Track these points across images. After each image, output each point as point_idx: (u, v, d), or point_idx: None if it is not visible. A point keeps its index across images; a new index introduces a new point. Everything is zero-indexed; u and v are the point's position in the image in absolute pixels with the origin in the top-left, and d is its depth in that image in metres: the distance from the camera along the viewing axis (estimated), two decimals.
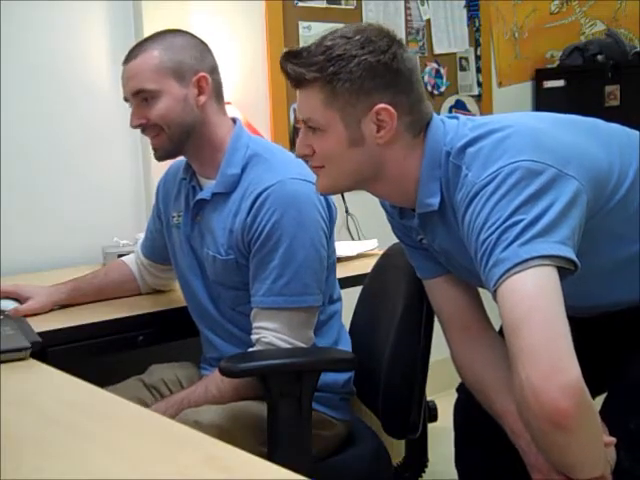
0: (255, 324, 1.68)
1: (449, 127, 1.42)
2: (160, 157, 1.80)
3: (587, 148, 1.37)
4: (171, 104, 1.73)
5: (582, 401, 1.15)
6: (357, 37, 1.37)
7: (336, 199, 1.81)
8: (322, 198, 1.70)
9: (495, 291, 1.23)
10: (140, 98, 1.73)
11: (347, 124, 1.38)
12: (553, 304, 1.18)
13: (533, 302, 1.18)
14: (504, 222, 1.23)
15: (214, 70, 1.78)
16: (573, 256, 1.22)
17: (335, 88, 1.36)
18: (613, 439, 1.28)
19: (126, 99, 1.78)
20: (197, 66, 1.75)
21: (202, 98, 1.75)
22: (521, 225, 1.21)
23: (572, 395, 1.13)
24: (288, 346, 1.66)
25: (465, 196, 1.31)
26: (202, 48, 1.79)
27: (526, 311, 1.18)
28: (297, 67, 1.39)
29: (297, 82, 1.41)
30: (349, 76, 1.35)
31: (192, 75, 1.74)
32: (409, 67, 1.40)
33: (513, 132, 1.33)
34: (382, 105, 1.36)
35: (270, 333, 1.65)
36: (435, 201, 1.40)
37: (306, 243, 1.66)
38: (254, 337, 1.68)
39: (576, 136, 1.39)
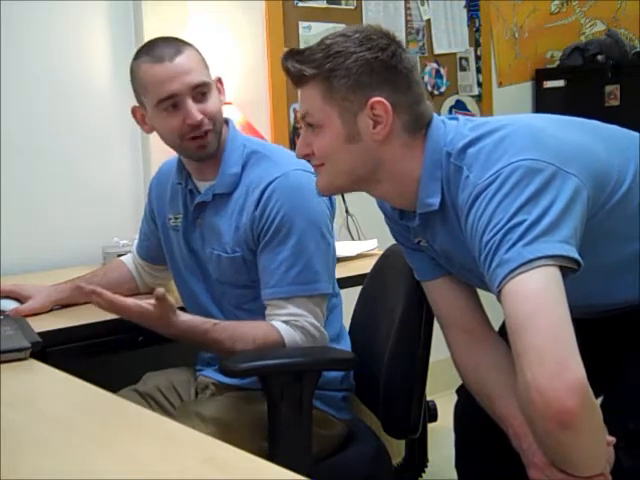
0: (276, 311, 1.67)
1: (449, 128, 1.43)
2: (207, 154, 1.74)
3: (587, 146, 1.37)
4: (217, 100, 1.76)
5: (587, 400, 1.15)
6: (356, 35, 1.39)
7: (336, 199, 1.81)
8: None
9: (499, 292, 1.23)
10: (197, 92, 1.71)
11: (344, 119, 1.39)
12: (557, 304, 1.19)
13: (538, 302, 1.18)
14: (507, 223, 1.23)
15: None
16: (576, 255, 1.22)
17: (332, 84, 1.38)
18: (613, 439, 1.28)
19: (168, 97, 1.69)
20: None
21: (223, 98, 1.80)
22: (524, 225, 1.22)
23: (577, 394, 1.14)
24: (314, 330, 1.67)
25: (467, 197, 1.31)
26: None
27: (531, 311, 1.18)
28: (297, 64, 1.40)
29: (297, 79, 1.42)
30: (346, 72, 1.37)
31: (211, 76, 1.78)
32: (407, 67, 1.41)
33: (512, 131, 1.34)
34: (377, 99, 1.37)
35: (301, 318, 1.66)
36: (436, 201, 1.40)
37: (315, 233, 1.68)
38: (281, 318, 1.66)
39: (576, 134, 1.40)
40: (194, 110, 1.70)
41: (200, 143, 1.73)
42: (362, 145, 1.40)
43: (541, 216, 1.22)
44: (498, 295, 1.24)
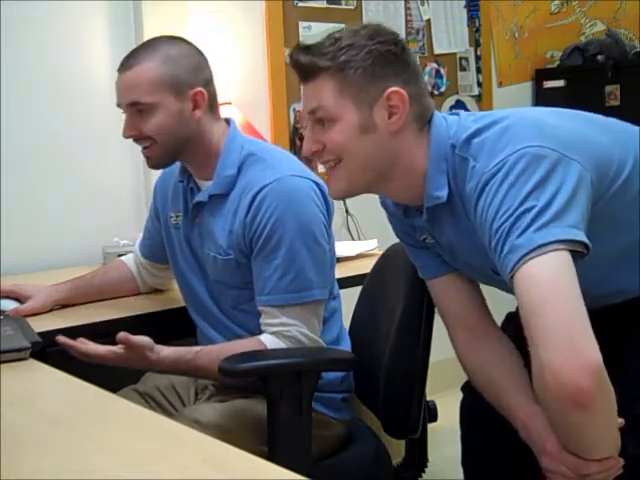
0: (269, 320, 1.67)
1: (451, 122, 1.45)
2: (153, 166, 1.81)
3: (588, 135, 1.39)
4: (166, 118, 1.71)
5: (601, 380, 1.17)
6: (364, 31, 1.43)
7: (334, 202, 1.80)
8: (319, 192, 1.70)
9: (511, 277, 1.24)
10: (134, 109, 1.71)
11: (359, 110, 1.41)
12: (570, 287, 1.20)
13: (550, 286, 1.20)
14: (516, 209, 1.25)
15: (209, 82, 1.77)
16: (585, 239, 1.24)
17: (347, 76, 1.40)
18: (622, 420, 1.29)
19: (119, 105, 1.76)
20: (193, 80, 1.72)
21: (197, 113, 1.73)
22: (534, 211, 1.24)
23: (592, 374, 1.15)
24: (305, 339, 1.66)
25: (475, 187, 1.33)
26: (198, 58, 1.76)
27: (544, 295, 1.20)
28: (309, 56, 1.41)
29: (308, 72, 1.43)
30: (361, 63, 1.40)
31: (188, 89, 1.72)
32: (414, 61, 1.46)
33: (515, 121, 1.36)
34: (394, 88, 1.40)
35: (293, 328, 1.65)
36: (443, 194, 1.42)
37: (308, 239, 1.66)
38: (272, 329, 1.66)
39: (576, 124, 1.42)
40: (125, 126, 1.74)
41: (144, 154, 1.78)
42: (377, 136, 1.41)
43: (549, 202, 1.24)
44: (510, 281, 1.25)
